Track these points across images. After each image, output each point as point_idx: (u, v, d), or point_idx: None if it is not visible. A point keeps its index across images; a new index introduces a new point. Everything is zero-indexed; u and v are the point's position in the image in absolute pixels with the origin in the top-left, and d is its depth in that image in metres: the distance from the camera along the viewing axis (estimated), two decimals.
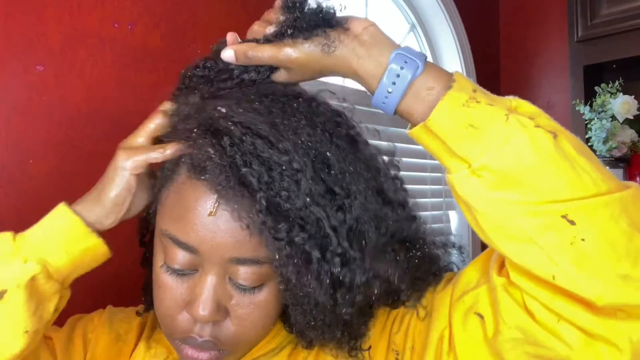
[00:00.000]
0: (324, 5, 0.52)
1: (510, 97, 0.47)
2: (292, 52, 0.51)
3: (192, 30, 1.07)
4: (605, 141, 1.64)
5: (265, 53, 0.52)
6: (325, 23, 0.51)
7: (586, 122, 1.69)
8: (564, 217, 0.41)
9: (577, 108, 1.70)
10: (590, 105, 1.68)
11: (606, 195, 0.42)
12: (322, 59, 0.51)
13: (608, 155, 1.66)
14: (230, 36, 0.55)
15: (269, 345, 0.59)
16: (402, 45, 0.51)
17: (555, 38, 1.95)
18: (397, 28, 1.79)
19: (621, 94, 1.65)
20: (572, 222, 0.41)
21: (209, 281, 0.50)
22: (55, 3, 0.88)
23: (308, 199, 0.47)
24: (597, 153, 1.68)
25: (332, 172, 0.49)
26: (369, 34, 0.50)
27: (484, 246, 0.49)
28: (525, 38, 2.04)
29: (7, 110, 0.83)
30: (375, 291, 0.51)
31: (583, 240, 0.41)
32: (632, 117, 1.64)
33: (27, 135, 0.84)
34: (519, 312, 0.45)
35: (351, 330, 0.54)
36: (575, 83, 1.75)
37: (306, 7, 0.52)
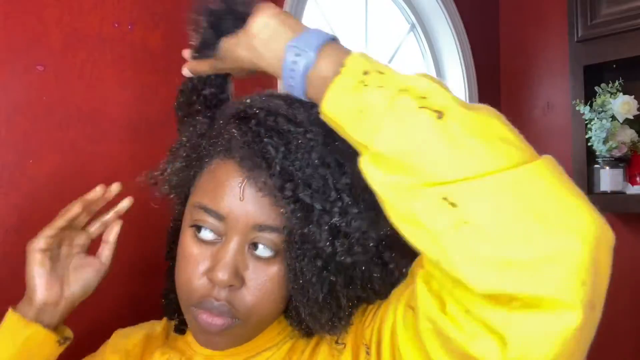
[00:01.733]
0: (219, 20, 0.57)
1: (413, 75, 0.45)
2: (217, 63, 0.59)
3: None
4: (605, 141, 1.64)
5: (204, 67, 0.61)
6: (224, 33, 0.56)
7: (586, 122, 1.69)
8: (445, 199, 0.39)
9: (577, 108, 1.70)
10: (590, 105, 1.68)
11: (495, 174, 0.39)
12: (235, 63, 0.57)
13: (608, 155, 1.66)
14: (184, 53, 0.64)
15: (275, 340, 0.63)
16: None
17: (555, 38, 1.94)
18: (397, 28, 1.79)
19: (621, 94, 1.64)
20: (453, 205, 0.39)
21: (231, 247, 0.56)
22: (55, 3, 0.88)
23: (317, 162, 0.54)
24: (597, 153, 1.68)
25: (337, 143, 0.55)
26: (268, 29, 0.52)
27: None
28: (525, 38, 2.04)
29: (7, 110, 0.83)
30: (371, 244, 0.55)
31: (466, 223, 0.38)
32: (632, 117, 1.64)
33: (27, 135, 0.84)
34: (429, 302, 0.43)
35: (335, 299, 0.56)
36: (575, 83, 1.74)
37: (205, 26, 0.58)
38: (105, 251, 0.70)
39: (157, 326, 0.74)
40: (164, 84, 1.01)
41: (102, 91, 0.93)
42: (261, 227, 0.55)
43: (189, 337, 0.67)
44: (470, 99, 1.87)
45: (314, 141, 0.54)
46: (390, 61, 1.73)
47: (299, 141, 0.54)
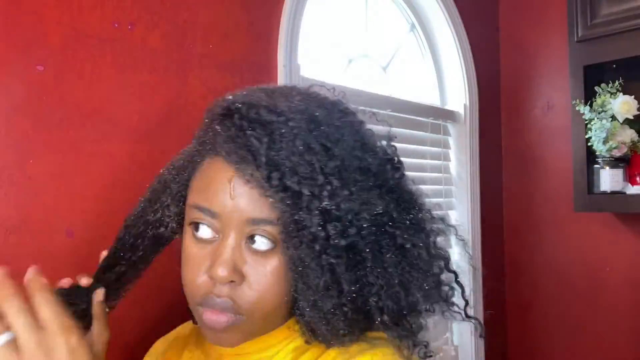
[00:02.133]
0: None
1: None
2: None
3: (192, 30, 1.07)
4: (605, 141, 1.64)
5: None
6: None
7: (586, 122, 1.69)
8: None
9: (577, 108, 1.70)
10: (590, 105, 1.68)
11: None
12: None
13: (608, 156, 1.66)
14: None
15: (283, 343, 0.63)
16: None
17: (555, 38, 1.94)
18: (397, 28, 1.79)
19: (621, 94, 1.64)
20: None
21: (228, 243, 0.57)
22: (55, 3, 0.88)
23: (302, 148, 0.55)
24: (597, 153, 1.68)
25: (322, 127, 0.57)
26: None
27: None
28: (525, 38, 2.04)
29: (7, 110, 0.83)
30: (365, 225, 0.56)
31: None
32: (632, 117, 1.64)
33: (27, 135, 0.84)
34: None
35: (336, 283, 0.56)
36: (575, 83, 1.74)
37: None
38: (94, 327, 0.63)
39: (189, 326, 0.77)
40: (164, 84, 1.01)
41: (102, 91, 0.93)
42: (255, 221, 0.56)
43: None
44: (471, 99, 1.87)
45: (297, 128, 0.55)
46: (390, 61, 1.73)
47: (282, 130, 0.55)
